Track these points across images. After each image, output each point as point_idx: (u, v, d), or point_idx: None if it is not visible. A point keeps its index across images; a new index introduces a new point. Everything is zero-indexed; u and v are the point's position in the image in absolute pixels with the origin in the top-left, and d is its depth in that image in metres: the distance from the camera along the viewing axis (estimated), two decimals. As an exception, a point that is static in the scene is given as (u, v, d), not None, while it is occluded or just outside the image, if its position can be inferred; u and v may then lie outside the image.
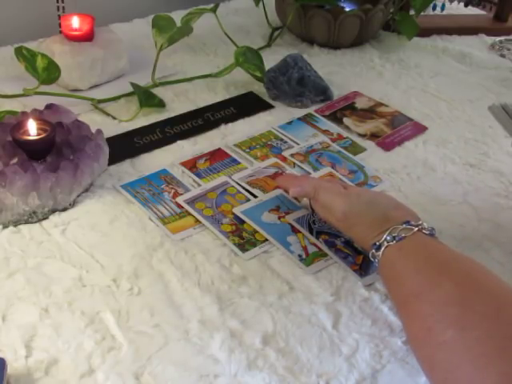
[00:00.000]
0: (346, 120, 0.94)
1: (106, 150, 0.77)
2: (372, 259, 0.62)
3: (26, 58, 0.87)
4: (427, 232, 0.60)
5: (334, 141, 0.89)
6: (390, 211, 0.63)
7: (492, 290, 0.51)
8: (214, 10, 1.04)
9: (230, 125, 0.91)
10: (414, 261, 0.57)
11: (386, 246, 0.60)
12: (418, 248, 0.59)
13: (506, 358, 0.45)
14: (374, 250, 0.61)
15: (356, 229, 0.65)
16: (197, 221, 0.72)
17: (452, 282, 0.52)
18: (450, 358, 0.48)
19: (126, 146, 0.84)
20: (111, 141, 0.81)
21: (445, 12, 1.32)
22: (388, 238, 0.60)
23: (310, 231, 0.71)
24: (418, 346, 0.52)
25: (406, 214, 0.63)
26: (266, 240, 0.70)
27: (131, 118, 0.90)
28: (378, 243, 0.61)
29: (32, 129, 0.72)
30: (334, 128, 0.92)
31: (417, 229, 0.60)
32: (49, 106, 0.79)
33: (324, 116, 0.95)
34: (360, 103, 0.99)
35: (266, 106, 0.97)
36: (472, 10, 1.39)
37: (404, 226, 0.60)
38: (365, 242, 0.63)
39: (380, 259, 0.60)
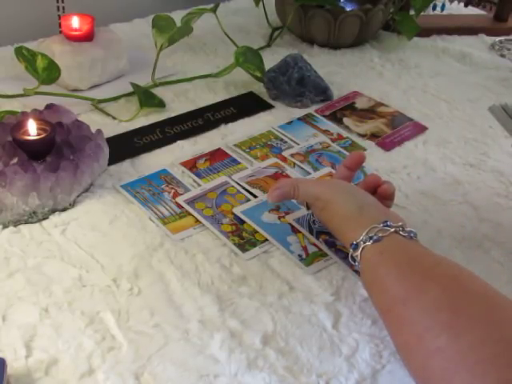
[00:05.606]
0: (345, 120, 0.94)
1: (106, 150, 0.77)
2: (352, 262, 0.60)
3: (26, 57, 0.87)
4: (405, 234, 0.58)
5: (333, 141, 0.89)
6: (369, 207, 0.62)
7: (479, 293, 0.51)
8: (214, 10, 1.04)
9: (229, 125, 0.91)
10: (397, 265, 0.55)
11: (363, 248, 0.58)
12: (399, 251, 0.57)
13: (502, 363, 0.45)
14: (352, 250, 0.59)
15: (335, 219, 0.63)
16: (197, 221, 0.72)
17: (439, 286, 0.51)
18: (445, 366, 0.47)
19: (125, 146, 0.84)
20: (111, 141, 0.81)
21: (445, 12, 1.32)
22: (364, 238, 0.58)
23: (310, 231, 0.71)
24: (409, 354, 0.51)
25: (385, 215, 0.61)
26: (266, 240, 0.70)
27: (131, 118, 0.90)
28: (355, 242, 0.58)
29: (32, 129, 0.72)
30: (334, 128, 0.92)
31: (393, 230, 0.57)
32: (49, 106, 0.79)
33: (324, 116, 0.95)
34: (360, 103, 0.99)
35: (266, 106, 0.97)
36: (472, 10, 1.39)
37: (382, 226, 0.58)
38: (344, 238, 0.62)
39: (360, 263, 0.58)
